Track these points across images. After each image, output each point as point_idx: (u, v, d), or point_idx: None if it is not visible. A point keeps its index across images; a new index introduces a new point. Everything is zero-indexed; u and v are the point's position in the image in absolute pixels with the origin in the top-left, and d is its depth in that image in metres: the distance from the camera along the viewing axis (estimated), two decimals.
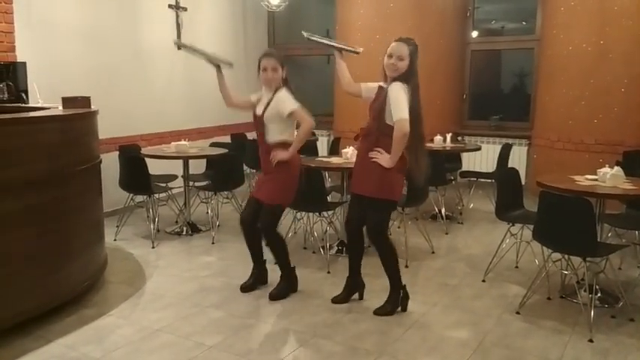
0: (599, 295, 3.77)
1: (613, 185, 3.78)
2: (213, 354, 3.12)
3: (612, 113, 6.06)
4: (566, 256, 3.75)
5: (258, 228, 3.82)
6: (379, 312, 3.61)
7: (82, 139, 3.85)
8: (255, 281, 4.08)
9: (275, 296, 3.88)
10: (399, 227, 5.31)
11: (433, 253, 4.90)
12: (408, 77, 3.40)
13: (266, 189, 3.79)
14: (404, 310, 3.65)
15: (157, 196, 5.42)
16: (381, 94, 3.45)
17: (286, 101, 3.69)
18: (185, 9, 7.08)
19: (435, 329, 3.43)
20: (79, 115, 3.85)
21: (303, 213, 4.75)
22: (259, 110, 3.80)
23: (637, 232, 4.44)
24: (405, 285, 3.67)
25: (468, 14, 7.68)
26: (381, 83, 3.53)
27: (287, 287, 3.94)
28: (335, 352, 3.14)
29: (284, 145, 3.72)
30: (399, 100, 3.31)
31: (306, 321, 3.55)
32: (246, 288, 4.03)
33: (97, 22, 5.96)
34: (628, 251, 4.36)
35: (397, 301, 3.64)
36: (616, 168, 3.91)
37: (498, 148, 6.33)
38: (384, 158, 3.40)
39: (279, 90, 3.75)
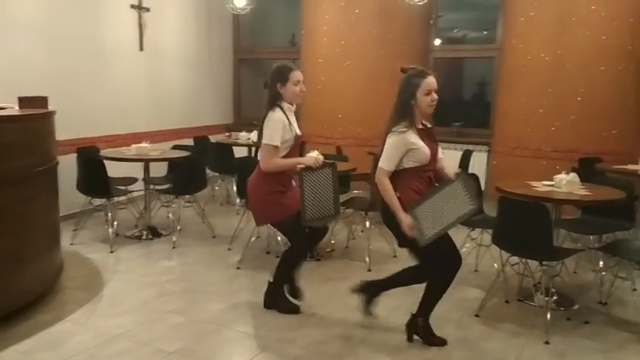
0: (555, 298, 3.86)
1: (569, 191, 3.89)
2: None
3: (569, 121, 6.25)
4: (523, 260, 3.84)
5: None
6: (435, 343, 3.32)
7: (39, 141, 3.74)
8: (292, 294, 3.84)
9: (282, 309, 3.72)
10: (362, 232, 5.34)
11: (395, 256, 4.94)
12: None
13: (274, 205, 3.57)
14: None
15: (116, 199, 5.30)
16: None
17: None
18: (148, 9, 6.98)
19: (398, 332, 3.45)
20: (35, 116, 3.75)
21: None
22: (298, 130, 3.61)
23: (591, 236, 4.57)
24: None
25: (432, 22, 7.80)
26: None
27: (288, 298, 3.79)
28: (298, 357, 3.13)
29: None
30: None
31: (269, 325, 3.53)
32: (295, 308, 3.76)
33: (56, 20, 5.81)
34: (583, 255, 4.49)
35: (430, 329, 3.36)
36: (572, 174, 4.03)
37: (459, 154, 6.43)
38: None
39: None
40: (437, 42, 7.97)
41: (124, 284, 4.20)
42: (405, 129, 3.11)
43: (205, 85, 8.40)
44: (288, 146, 3.53)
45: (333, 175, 3.46)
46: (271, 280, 3.75)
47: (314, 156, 3.46)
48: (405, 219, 3.04)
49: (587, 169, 5.09)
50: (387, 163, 3.12)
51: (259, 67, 9.75)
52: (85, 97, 6.18)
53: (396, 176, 3.13)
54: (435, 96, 3.13)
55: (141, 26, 6.92)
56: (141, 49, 6.95)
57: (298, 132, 3.58)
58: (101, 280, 4.25)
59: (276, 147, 3.46)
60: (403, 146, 3.08)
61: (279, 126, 3.48)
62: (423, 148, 3.11)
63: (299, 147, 3.64)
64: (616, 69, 6.03)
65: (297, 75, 3.52)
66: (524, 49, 6.49)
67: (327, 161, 3.50)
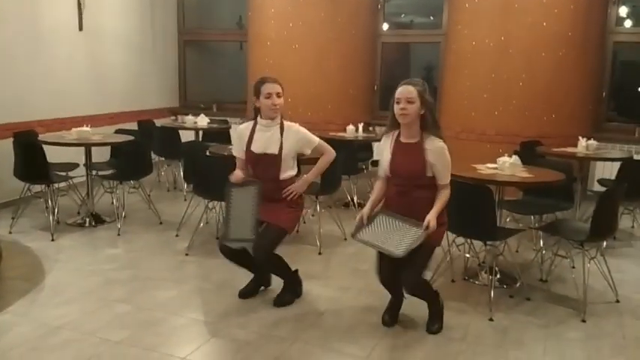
0: (498, 276, 4.01)
1: (511, 173, 4.02)
2: (121, 349, 2.99)
3: (511, 106, 6.43)
4: (468, 241, 3.95)
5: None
6: (433, 331, 3.31)
7: None
8: (256, 285, 3.76)
9: (280, 303, 3.59)
10: (312, 215, 5.35)
11: (345, 239, 4.97)
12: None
13: (283, 214, 3.46)
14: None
15: (56, 185, 5.10)
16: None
17: (308, 134, 3.55)
18: None
19: (348, 314, 3.49)
20: None
21: (215, 202, 4.66)
22: (272, 149, 3.43)
23: (532, 217, 4.75)
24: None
25: (379, 7, 7.83)
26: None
27: (291, 295, 3.66)
28: (249, 341, 3.12)
29: (293, 180, 3.54)
30: None
31: (218, 311, 3.49)
32: (246, 294, 3.69)
33: None
34: (524, 235, 4.65)
35: (442, 314, 3.38)
36: (514, 157, 4.16)
37: None
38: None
39: (286, 123, 3.50)
40: (385, 27, 8.02)
41: (67, 273, 4.06)
42: (383, 135, 3.25)
43: (149, 68, 8.15)
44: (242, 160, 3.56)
45: (259, 194, 3.36)
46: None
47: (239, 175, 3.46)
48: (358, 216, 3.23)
49: (528, 152, 5.26)
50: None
51: (205, 50, 9.55)
52: (21, 79, 5.87)
53: None
54: (403, 105, 3.03)
55: (80, 5, 6.62)
56: (80, 28, 6.66)
57: (270, 151, 3.43)
58: (42, 270, 4.09)
59: (237, 157, 3.60)
60: (379, 152, 3.21)
61: (234, 138, 3.71)
62: (383, 159, 3.20)
63: (269, 166, 3.45)
64: (556, 55, 6.23)
65: (267, 88, 3.40)
66: (469, 35, 6.61)
67: (252, 180, 3.45)
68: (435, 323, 3.32)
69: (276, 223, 3.43)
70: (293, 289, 3.68)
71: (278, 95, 3.43)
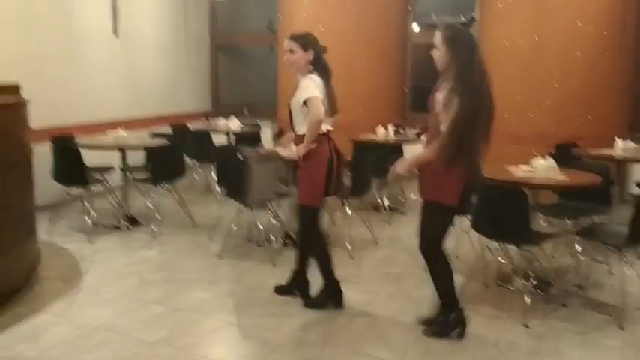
0: (533, 282, 3.92)
1: (546, 176, 3.94)
2: (156, 350, 3.04)
3: (545, 107, 6.31)
4: (502, 245, 3.89)
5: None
6: (429, 333, 3.26)
7: (11, 130, 3.64)
8: (292, 285, 3.76)
9: (309, 304, 3.61)
10: (343, 219, 5.35)
11: (376, 243, 4.96)
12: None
13: (299, 188, 3.53)
14: (461, 335, 3.22)
15: (93, 188, 5.22)
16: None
17: (304, 89, 3.39)
18: None
19: (379, 317, 3.48)
20: (6, 105, 3.65)
21: None
22: (291, 100, 3.53)
23: (568, 221, 4.64)
24: (462, 307, 3.24)
25: (409, 8, 7.80)
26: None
27: (324, 299, 3.61)
28: (281, 344, 3.14)
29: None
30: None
31: (251, 314, 3.52)
32: (279, 289, 3.77)
33: (28, 5, 5.64)
34: (560, 239, 4.55)
35: (448, 324, 3.23)
36: (549, 159, 4.08)
37: None
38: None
39: (305, 76, 3.44)
40: (415, 28, 7.98)
41: (104, 274, 4.15)
42: None
43: (182, 72, 8.28)
44: None
45: (274, 170, 3.78)
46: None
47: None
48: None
49: (563, 154, 5.15)
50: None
51: (237, 53, 9.66)
52: (58, 84, 6.04)
53: None
54: (433, 52, 3.03)
55: (115, 11, 6.78)
56: (115, 34, 6.81)
57: (288, 100, 3.54)
58: (80, 271, 4.19)
59: None
60: None
61: None
62: None
63: (289, 116, 3.55)
64: (592, 54, 6.10)
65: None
66: (502, 35, 6.51)
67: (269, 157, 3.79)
68: (440, 316, 3.23)
69: (299, 202, 3.53)
70: (328, 294, 3.63)
71: (290, 51, 3.45)
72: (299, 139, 3.47)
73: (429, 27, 8.80)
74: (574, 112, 6.21)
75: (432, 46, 3.07)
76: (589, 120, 6.19)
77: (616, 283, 3.75)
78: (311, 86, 3.37)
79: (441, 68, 3.03)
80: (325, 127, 3.44)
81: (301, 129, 3.46)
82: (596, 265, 4.04)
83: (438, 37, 2.99)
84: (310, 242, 3.62)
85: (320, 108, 3.31)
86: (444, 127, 2.96)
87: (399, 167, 3.12)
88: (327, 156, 3.43)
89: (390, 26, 7.50)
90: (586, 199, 4.33)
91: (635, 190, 5.54)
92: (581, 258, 4.19)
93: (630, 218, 3.47)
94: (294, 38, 3.47)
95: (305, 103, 3.35)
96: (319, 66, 3.46)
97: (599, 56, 6.10)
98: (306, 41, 3.45)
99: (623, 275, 3.51)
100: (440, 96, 2.96)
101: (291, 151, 3.66)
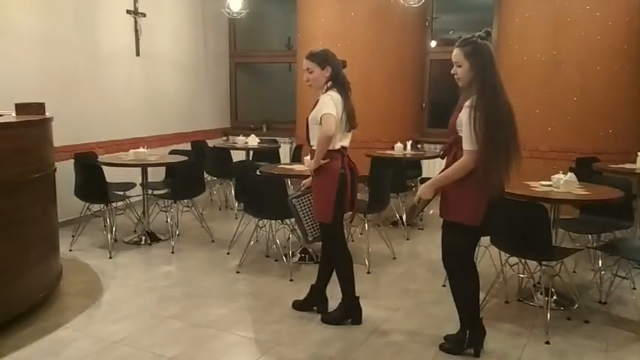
0: (554, 297, 3.87)
1: (567, 191, 3.90)
2: None
3: (565, 121, 6.26)
4: (522, 260, 3.84)
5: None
6: (442, 348, 3.24)
7: (36, 147, 3.73)
8: (311, 301, 3.77)
9: (327, 319, 3.61)
10: (361, 234, 5.34)
11: (395, 258, 4.94)
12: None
13: (314, 204, 3.58)
14: (476, 354, 3.16)
15: (114, 204, 5.29)
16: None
17: (321, 105, 3.40)
18: (144, 15, 6.97)
19: (397, 334, 3.45)
20: (32, 122, 3.74)
21: (266, 220, 4.73)
22: (310, 114, 3.56)
23: (590, 236, 4.58)
24: (481, 326, 3.18)
25: (427, 24, 7.82)
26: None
27: (342, 315, 3.60)
28: None
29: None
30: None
31: (268, 329, 3.52)
32: (297, 305, 3.80)
33: (53, 26, 5.80)
34: (582, 255, 4.49)
35: (463, 341, 3.16)
36: (569, 174, 4.04)
37: None
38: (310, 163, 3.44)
39: (324, 93, 3.46)
40: (433, 44, 7.99)
41: (124, 290, 4.19)
42: None
43: (202, 90, 8.40)
44: None
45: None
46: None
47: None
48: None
49: (584, 169, 5.10)
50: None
51: (255, 71, 9.77)
52: (82, 103, 6.17)
53: None
54: (453, 70, 3.02)
55: (137, 31, 6.92)
56: (137, 54, 6.95)
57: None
58: (100, 286, 4.24)
59: None
60: None
61: None
62: None
63: (306, 129, 3.57)
64: (611, 68, 6.05)
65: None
66: (520, 50, 6.50)
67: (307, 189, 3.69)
68: (458, 334, 3.19)
69: (317, 219, 3.56)
70: (346, 310, 3.60)
71: (308, 70, 3.48)
72: (314, 153, 3.48)
73: (446, 43, 8.83)
74: (594, 126, 6.15)
75: (450, 62, 3.06)
76: (609, 134, 6.13)
77: (639, 299, 3.67)
78: (329, 104, 3.37)
79: (464, 85, 2.99)
80: (339, 144, 3.44)
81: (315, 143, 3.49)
82: (619, 280, 3.96)
83: (458, 54, 2.97)
84: (331, 258, 3.63)
85: (331, 125, 3.30)
86: (466, 146, 2.90)
87: (424, 192, 3.05)
88: (338, 172, 3.41)
89: (407, 42, 7.53)
90: (608, 213, 4.27)
91: None
92: (604, 273, 4.11)
93: None
94: (311, 57, 3.49)
95: (321, 119, 3.37)
96: (338, 81, 3.46)
97: (619, 70, 6.06)
98: (323, 58, 3.47)
99: None
100: (464, 115, 2.90)
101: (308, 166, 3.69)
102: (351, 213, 3.82)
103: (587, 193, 3.88)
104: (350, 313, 3.60)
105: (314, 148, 3.47)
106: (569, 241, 4.63)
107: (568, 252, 3.76)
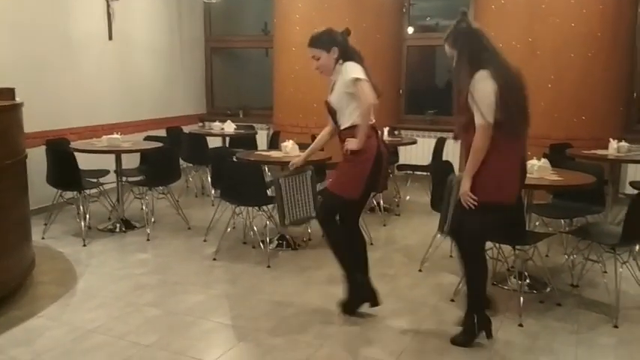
0: (528, 281, 3.95)
1: (540, 176, 3.95)
2: (150, 353, 3.03)
3: (540, 108, 6.31)
4: (497, 245, 3.90)
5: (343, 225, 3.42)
6: (455, 341, 3.16)
7: (6, 133, 3.64)
8: (353, 298, 3.48)
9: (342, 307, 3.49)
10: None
11: (372, 244, 4.96)
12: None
13: (335, 177, 3.37)
14: (489, 336, 3.14)
15: (87, 192, 5.21)
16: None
17: (349, 70, 3.22)
18: None
19: (374, 319, 3.48)
20: (1, 108, 3.64)
21: (243, 207, 4.70)
22: (329, 97, 3.39)
23: (562, 220, 4.66)
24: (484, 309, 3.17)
25: (404, 10, 7.81)
26: None
27: (352, 296, 3.46)
28: (275, 346, 3.13)
29: (352, 131, 3.26)
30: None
31: (247, 316, 3.52)
32: (345, 307, 3.48)
33: (22, 10, 5.64)
34: (554, 239, 4.58)
35: (473, 327, 3.13)
36: (543, 160, 4.10)
37: (433, 141, 6.48)
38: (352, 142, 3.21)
39: (341, 65, 3.30)
40: (410, 30, 7.99)
41: (98, 278, 4.14)
42: None
43: (177, 75, 8.28)
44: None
45: (312, 177, 3.69)
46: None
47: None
48: None
49: (557, 155, 5.17)
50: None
51: (232, 56, 9.66)
52: (53, 88, 6.03)
53: None
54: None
55: (109, 15, 6.77)
56: (110, 38, 6.81)
57: (328, 99, 3.40)
58: (74, 274, 4.18)
59: None
60: None
61: None
62: None
63: (331, 115, 3.40)
64: (585, 56, 6.12)
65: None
66: (496, 37, 6.38)
67: (302, 167, 3.69)
68: (465, 323, 3.15)
69: (328, 187, 3.41)
70: (355, 289, 3.46)
71: (314, 58, 3.36)
72: (346, 134, 3.28)
73: (424, 29, 8.84)
74: (568, 112, 6.23)
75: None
76: (583, 120, 6.22)
77: (610, 282, 3.76)
78: (355, 68, 3.21)
79: (464, 69, 3.00)
80: (373, 118, 3.28)
81: (348, 121, 3.29)
82: (591, 264, 4.04)
83: (447, 48, 3.05)
84: (329, 230, 3.44)
85: (368, 91, 3.16)
86: (478, 119, 2.90)
87: (465, 186, 3.00)
88: (374, 151, 3.26)
89: (384, 28, 7.50)
90: (580, 199, 4.34)
91: (629, 190, 5.56)
92: (576, 257, 4.20)
93: (624, 218, 3.48)
94: (314, 43, 3.35)
95: (349, 90, 3.21)
96: (348, 55, 3.32)
97: (593, 57, 6.13)
98: (325, 41, 3.33)
99: (617, 274, 3.51)
100: (473, 90, 2.92)
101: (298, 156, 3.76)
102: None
103: (560, 178, 3.95)
104: (363, 294, 3.47)
105: (344, 127, 3.29)
106: (542, 225, 4.71)
107: (541, 236, 3.83)
